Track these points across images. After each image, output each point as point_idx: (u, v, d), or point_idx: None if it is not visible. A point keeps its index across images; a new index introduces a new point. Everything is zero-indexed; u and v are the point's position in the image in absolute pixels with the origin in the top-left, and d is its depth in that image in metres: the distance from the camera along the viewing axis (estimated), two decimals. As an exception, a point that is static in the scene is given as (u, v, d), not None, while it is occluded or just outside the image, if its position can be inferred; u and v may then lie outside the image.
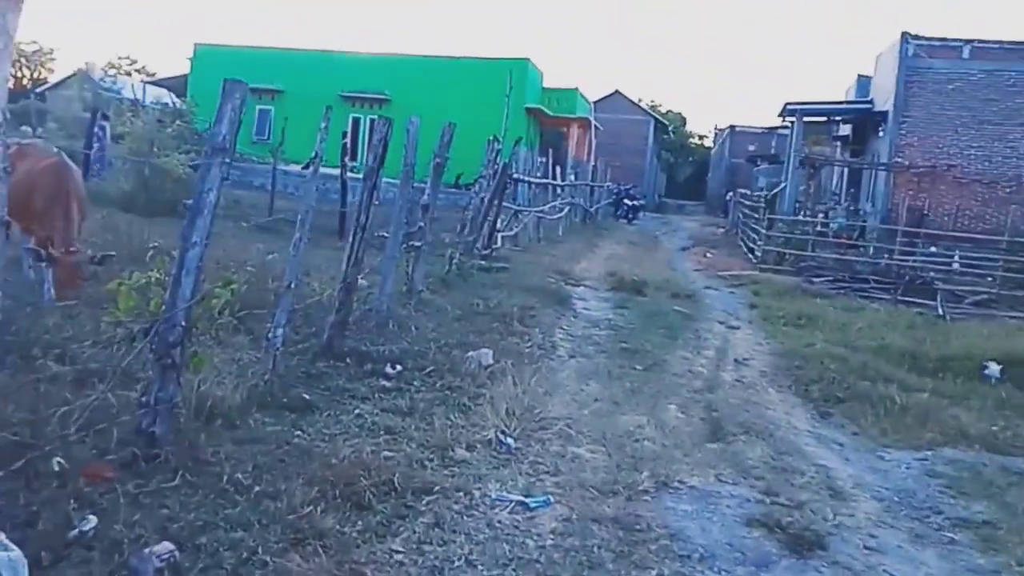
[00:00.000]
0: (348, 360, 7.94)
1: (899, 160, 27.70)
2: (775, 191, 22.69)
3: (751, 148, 64.91)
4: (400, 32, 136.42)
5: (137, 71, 59.59)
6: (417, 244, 10.95)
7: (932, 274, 20.60)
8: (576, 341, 10.87)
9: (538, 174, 23.55)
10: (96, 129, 25.22)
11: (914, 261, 22.09)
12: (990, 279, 20.57)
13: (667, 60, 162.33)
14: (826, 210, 28.08)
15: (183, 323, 5.16)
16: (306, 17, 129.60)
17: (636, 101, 68.49)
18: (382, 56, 40.49)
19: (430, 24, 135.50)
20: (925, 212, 24.71)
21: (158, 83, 44.39)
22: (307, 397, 6.79)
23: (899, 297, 17.86)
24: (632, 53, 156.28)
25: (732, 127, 71.14)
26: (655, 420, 7.56)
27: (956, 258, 22.81)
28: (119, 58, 60.84)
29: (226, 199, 19.12)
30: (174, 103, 34.02)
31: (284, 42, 75.42)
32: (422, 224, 10.94)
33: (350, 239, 8.07)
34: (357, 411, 6.76)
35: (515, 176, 17.86)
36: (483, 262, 15.04)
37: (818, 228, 24.76)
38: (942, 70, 28.12)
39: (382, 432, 6.37)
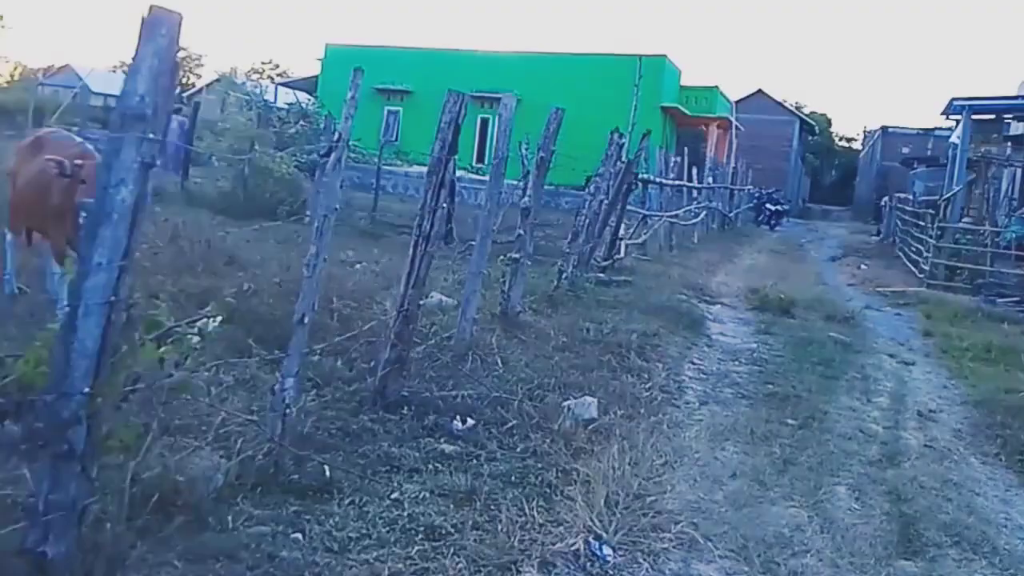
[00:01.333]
0: (404, 411, 6.05)
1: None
2: (947, 196, 19.76)
3: (905, 150, 60.83)
4: (533, 29, 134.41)
5: (279, 75, 60.08)
6: (516, 256, 8.99)
7: None
8: (709, 380, 8.70)
9: (672, 176, 21.28)
10: (174, 124, 24.27)
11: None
12: None
13: (812, 58, 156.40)
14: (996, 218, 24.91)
15: (85, 390, 3.32)
16: (436, 15, 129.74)
17: (780, 101, 64.99)
18: (513, 54, 38.82)
19: (564, 21, 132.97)
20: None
21: (291, 84, 43.92)
22: (327, 472, 4.90)
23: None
24: (775, 51, 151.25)
25: (884, 128, 66.87)
26: (819, 515, 5.38)
27: None
28: (262, 63, 61.39)
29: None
30: (302, 104, 33.43)
31: (414, 41, 75.17)
32: (521, 232, 8.98)
33: (410, 252, 6.15)
34: (395, 494, 4.83)
35: (642, 176, 15.71)
36: (601, 275, 12.99)
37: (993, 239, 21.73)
38: None
39: (421, 534, 4.42)
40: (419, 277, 5.97)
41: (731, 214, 33.52)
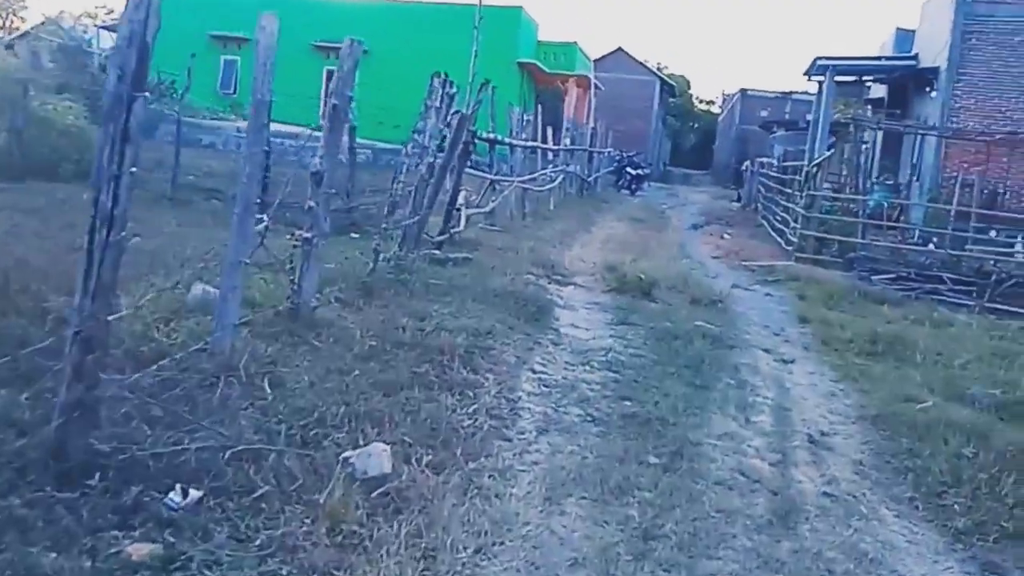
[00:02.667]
0: (92, 481, 4.07)
1: (954, 124, 23.75)
2: (816, 161, 18.60)
3: (763, 114, 61.00)
4: None
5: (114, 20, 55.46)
6: (308, 235, 7.03)
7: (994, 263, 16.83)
8: (552, 396, 6.95)
9: (524, 136, 19.51)
10: None
11: (980, 250, 18.14)
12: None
13: (671, 19, 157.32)
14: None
15: None
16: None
17: (641, 61, 64.11)
18: (361, 3, 36.20)
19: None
20: (1000, 190, 20.72)
21: (116, 28, 40.16)
22: None
23: (986, 303, 14.05)
24: (635, 10, 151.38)
25: (743, 91, 67.01)
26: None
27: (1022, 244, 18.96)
28: (96, 7, 56.63)
29: (149, 160, 15.27)
30: None
31: None
32: (313, 203, 6.99)
33: (86, 243, 4.10)
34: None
35: (484, 135, 13.71)
36: (436, 252, 11.12)
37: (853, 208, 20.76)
38: (1007, 19, 23.95)
39: None
40: (102, 281, 3.94)
41: (590, 178, 32.07)
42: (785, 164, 27.46)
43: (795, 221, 19.51)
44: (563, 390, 7.12)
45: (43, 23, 42.67)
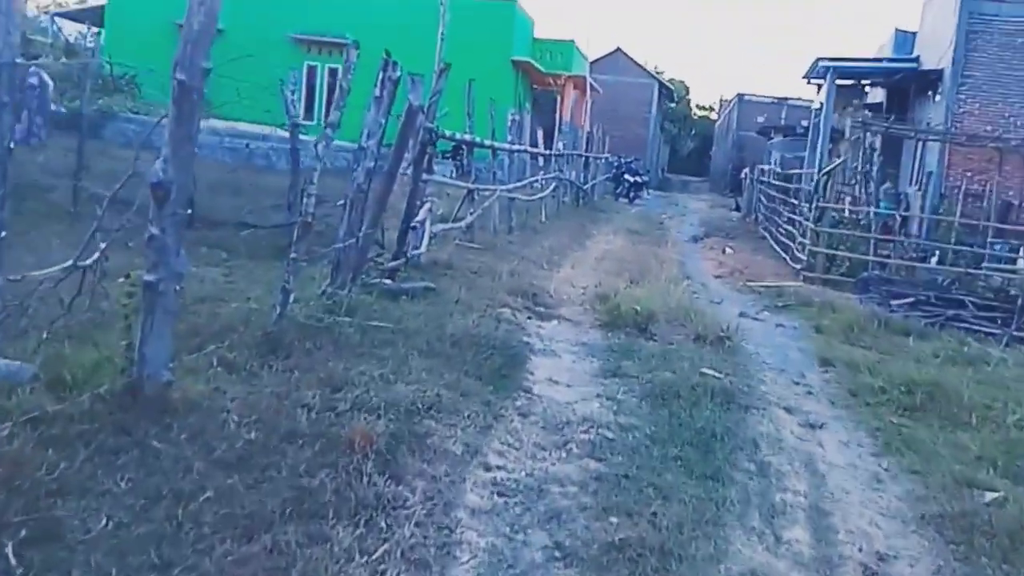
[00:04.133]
0: None
1: (956, 130, 21.68)
2: (828, 169, 16.41)
3: (760, 119, 58.84)
4: None
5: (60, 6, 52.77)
6: (150, 278, 4.84)
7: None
8: (508, 514, 4.75)
9: (509, 139, 17.34)
10: (31, 78, 19.38)
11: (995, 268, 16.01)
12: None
13: (666, 23, 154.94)
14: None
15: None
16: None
17: (640, 63, 61.78)
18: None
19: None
20: (1014, 200, 18.51)
21: (69, 15, 37.63)
22: None
23: (1014, 332, 11.96)
24: (632, 13, 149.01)
25: (740, 96, 64.67)
26: None
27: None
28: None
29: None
30: (66, 36, 27.75)
31: None
32: (157, 231, 4.77)
33: None
34: None
35: (447, 135, 11.33)
36: (389, 282, 8.97)
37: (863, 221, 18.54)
38: (1011, 18, 21.93)
39: None
40: None
41: (587, 186, 29.88)
42: (788, 172, 25.27)
43: (802, 235, 17.36)
44: (525, 500, 4.95)
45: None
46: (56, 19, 35.02)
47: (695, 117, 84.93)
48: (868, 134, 18.81)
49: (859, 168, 19.11)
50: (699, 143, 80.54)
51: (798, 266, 16.60)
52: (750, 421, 7.02)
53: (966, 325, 12.36)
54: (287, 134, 25.02)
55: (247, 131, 28.16)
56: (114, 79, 23.21)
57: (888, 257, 16.62)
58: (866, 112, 32.23)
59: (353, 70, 6.73)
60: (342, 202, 7.91)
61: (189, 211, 5.06)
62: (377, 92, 7.87)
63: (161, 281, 4.93)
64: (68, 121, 16.82)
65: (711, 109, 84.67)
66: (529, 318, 9.80)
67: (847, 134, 30.34)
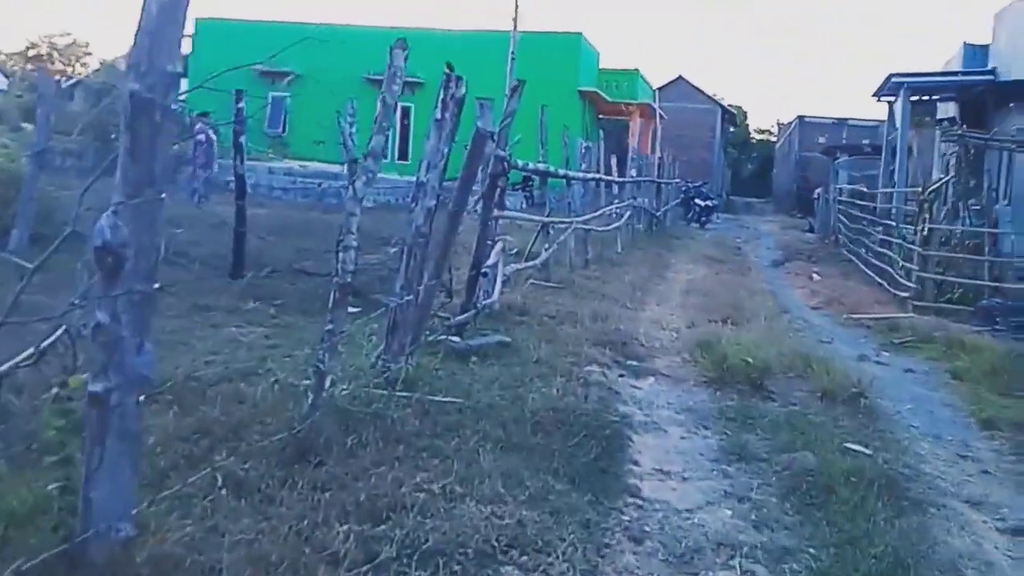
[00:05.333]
0: None
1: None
2: (934, 186, 14.14)
3: (821, 140, 56.46)
4: (434, 5, 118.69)
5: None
6: (96, 389, 3.06)
7: None
8: None
9: (582, 167, 15.42)
10: (198, 134, 18.53)
11: None
12: None
13: (725, 51, 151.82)
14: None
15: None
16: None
17: (701, 89, 59.53)
18: (415, 31, 32.37)
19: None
20: None
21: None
22: None
23: None
24: (692, 41, 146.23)
25: (801, 118, 62.11)
26: None
27: None
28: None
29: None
30: None
31: (300, 16, 67.44)
32: (105, 317, 3.02)
33: None
34: None
35: (519, 165, 9.24)
36: (456, 341, 7.10)
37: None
38: None
39: None
40: None
41: (659, 212, 27.80)
42: (874, 191, 22.92)
43: (905, 260, 15.11)
44: None
45: (98, 69, 39.92)
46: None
47: (754, 141, 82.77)
48: (961, 148, 16.37)
49: (961, 184, 16.63)
50: (758, 165, 78.41)
51: (903, 293, 14.34)
52: (934, 529, 4.97)
53: None
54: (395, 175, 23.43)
55: (321, 170, 26.88)
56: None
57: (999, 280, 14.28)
58: (935, 128, 29.69)
59: (402, 78, 4.91)
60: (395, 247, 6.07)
61: (157, 285, 3.24)
62: (438, 114, 6.03)
63: (113, 392, 3.14)
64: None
65: (769, 132, 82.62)
66: (621, 375, 7.86)
67: (914, 150, 27.90)
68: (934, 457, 6.40)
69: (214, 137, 19.29)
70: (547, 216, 12.10)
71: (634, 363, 8.38)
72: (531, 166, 10.96)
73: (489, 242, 8.31)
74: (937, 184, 14.05)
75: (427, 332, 7.23)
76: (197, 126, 18.03)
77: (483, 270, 7.49)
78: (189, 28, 35.71)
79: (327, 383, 4.85)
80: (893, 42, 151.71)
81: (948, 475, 6.00)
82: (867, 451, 6.17)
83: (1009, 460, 6.47)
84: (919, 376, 9.28)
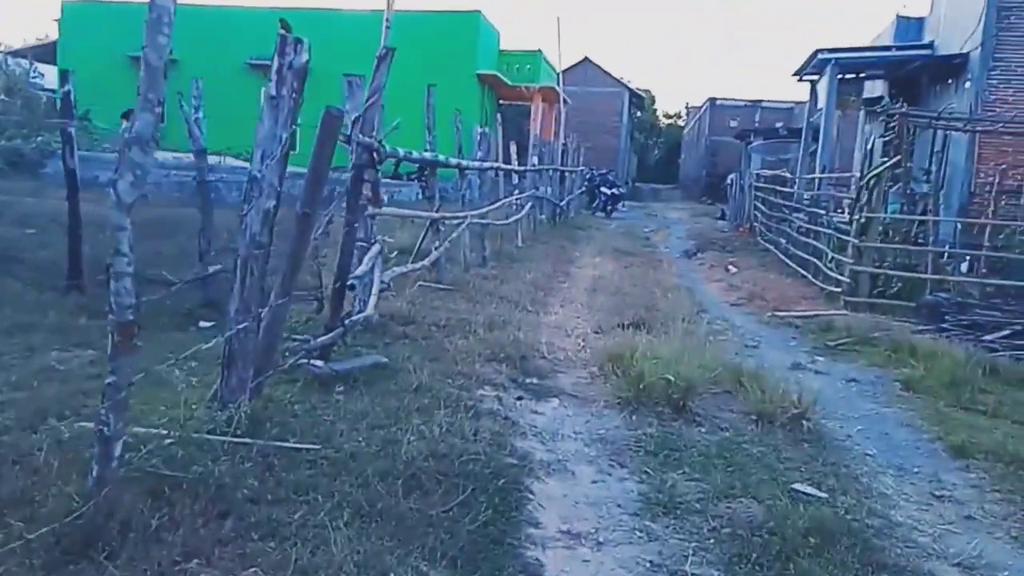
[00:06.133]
0: None
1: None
2: (876, 171, 13.43)
3: (733, 124, 56.73)
4: None
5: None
6: None
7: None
8: None
9: (479, 155, 14.32)
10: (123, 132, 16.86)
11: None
12: None
13: (627, 34, 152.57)
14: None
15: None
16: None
17: (609, 72, 59.04)
18: (299, 10, 30.77)
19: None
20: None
21: (18, 53, 34.79)
22: None
23: None
24: (596, 23, 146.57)
25: (712, 100, 62.21)
26: None
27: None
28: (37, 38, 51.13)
29: None
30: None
31: None
32: None
33: None
34: None
35: (388, 151, 7.81)
36: (318, 365, 5.93)
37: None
38: None
39: None
40: None
41: (563, 202, 26.91)
42: (795, 177, 22.43)
43: (837, 251, 14.45)
44: None
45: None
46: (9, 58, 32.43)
47: (662, 126, 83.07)
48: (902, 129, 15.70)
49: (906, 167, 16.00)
50: (666, 151, 78.78)
51: (832, 287, 13.67)
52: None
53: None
54: (242, 163, 22.02)
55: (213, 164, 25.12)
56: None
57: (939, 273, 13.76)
58: (862, 107, 29.38)
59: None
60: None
61: None
62: (273, 90, 4.83)
63: None
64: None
65: (678, 116, 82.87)
66: (520, 398, 6.79)
67: (834, 133, 27.59)
68: (903, 498, 5.49)
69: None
70: (437, 210, 10.94)
71: (535, 381, 7.34)
72: (416, 155, 9.80)
73: (354, 249, 7.12)
74: (880, 168, 13.35)
75: (284, 354, 6.06)
76: (123, 125, 16.64)
77: (350, 282, 6.29)
78: (56, 12, 33.58)
79: (117, 450, 3.65)
80: (811, 21, 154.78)
81: (925, 524, 5.09)
82: (821, 494, 5.27)
83: (994, 499, 5.59)
84: (865, 388, 8.46)
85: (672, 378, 6.95)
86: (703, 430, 6.44)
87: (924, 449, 6.59)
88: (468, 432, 5.43)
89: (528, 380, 7.32)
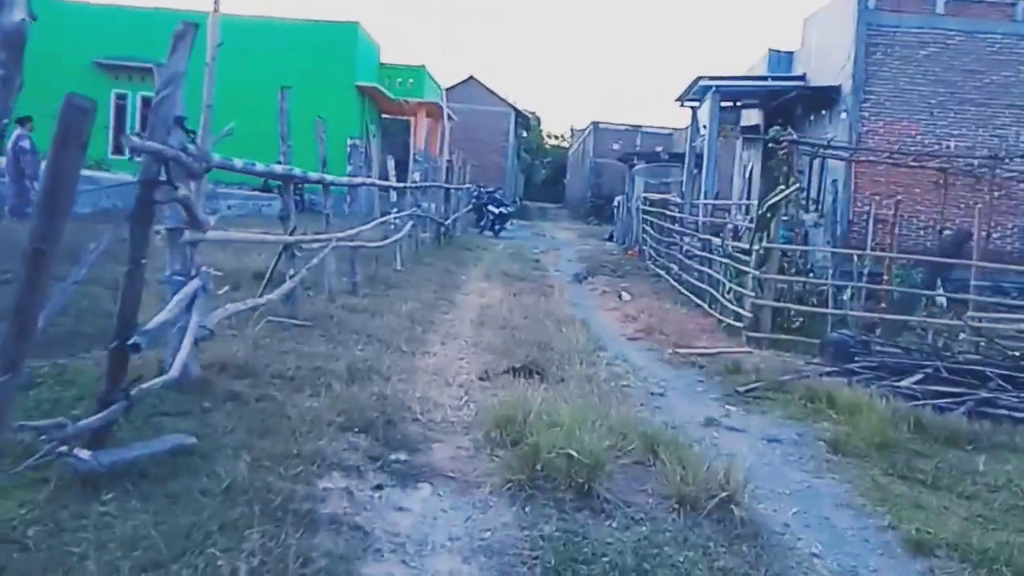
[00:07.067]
0: None
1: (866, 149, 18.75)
2: (775, 198, 12.22)
3: (615, 147, 56.59)
4: None
5: None
6: None
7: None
8: None
9: (350, 168, 12.52)
10: (22, 141, 15.13)
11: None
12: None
13: (513, 56, 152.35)
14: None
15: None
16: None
17: (494, 91, 57.84)
18: (158, 11, 28.20)
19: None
20: (972, 231, 14.73)
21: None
22: None
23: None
24: (482, 43, 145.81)
25: (595, 124, 62.03)
26: None
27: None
28: None
29: None
30: None
31: None
32: None
33: None
34: None
35: (206, 160, 6.01)
36: (84, 457, 4.14)
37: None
38: (912, 29, 19.55)
39: None
40: None
41: (448, 221, 25.25)
42: (693, 203, 21.36)
43: (734, 281, 13.21)
44: None
45: None
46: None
47: (548, 146, 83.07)
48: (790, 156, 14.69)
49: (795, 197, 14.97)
50: (552, 171, 78.81)
51: (732, 321, 12.42)
52: None
53: (1000, 411, 8.37)
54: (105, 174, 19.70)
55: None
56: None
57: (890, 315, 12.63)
58: (740, 136, 28.79)
59: None
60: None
61: None
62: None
63: None
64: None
65: (562, 138, 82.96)
66: (378, 487, 5.11)
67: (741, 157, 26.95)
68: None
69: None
70: (292, 232, 9.12)
71: (402, 458, 5.66)
72: (261, 167, 8.00)
73: (180, 280, 5.33)
74: (779, 196, 12.13)
75: (42, 440, 4.23)
76: (16, 132, 14.75)
77: (133, 340, 4.43)
78: None
79: None
80: (687, 51, 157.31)
81: None
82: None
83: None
84: (789, 450, 7.05)
85: (574, 453, 5.38)
86: (614, 525, 4.90)
87: (875, 543, 5.18)
88: (293, 566, 3.71)
89: (393, 457, 5.63)
